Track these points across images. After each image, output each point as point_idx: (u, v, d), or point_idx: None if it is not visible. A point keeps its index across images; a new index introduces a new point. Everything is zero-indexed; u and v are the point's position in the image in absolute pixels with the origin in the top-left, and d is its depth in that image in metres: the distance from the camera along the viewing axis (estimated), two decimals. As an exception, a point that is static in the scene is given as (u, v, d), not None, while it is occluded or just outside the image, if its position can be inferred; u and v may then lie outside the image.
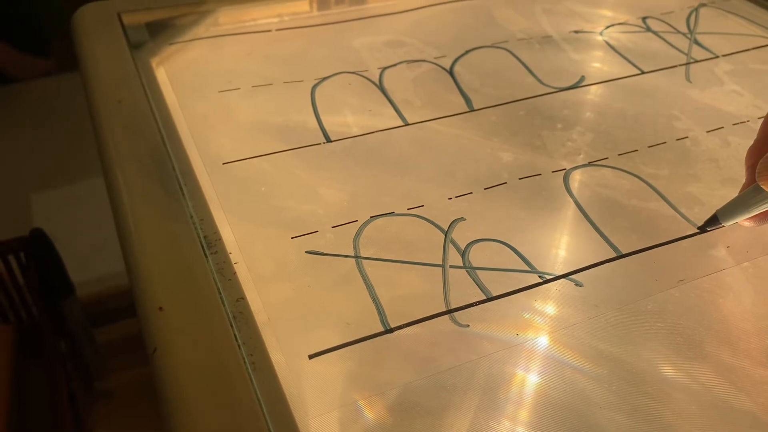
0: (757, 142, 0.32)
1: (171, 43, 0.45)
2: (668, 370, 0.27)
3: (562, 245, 0.32)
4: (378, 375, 0.26)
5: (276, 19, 0.50)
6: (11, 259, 0.61)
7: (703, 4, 0.53)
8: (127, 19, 0.47)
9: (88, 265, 0.91)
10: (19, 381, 0.61)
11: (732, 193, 0.35)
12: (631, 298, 0.29)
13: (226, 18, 0.50)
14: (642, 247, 0.32)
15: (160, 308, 0.28)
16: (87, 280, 0.83)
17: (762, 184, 0.28)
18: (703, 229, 0.33)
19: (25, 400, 0.62)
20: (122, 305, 0.77)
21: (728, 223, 0.32)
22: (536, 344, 0.27)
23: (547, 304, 0.29)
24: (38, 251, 0.58)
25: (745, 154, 0.35)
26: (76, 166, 1.06)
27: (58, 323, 0.63)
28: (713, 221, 0.32)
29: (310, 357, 0.26)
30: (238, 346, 0.26)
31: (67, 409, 0.58)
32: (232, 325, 0.27)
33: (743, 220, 0.31)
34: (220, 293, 0.28)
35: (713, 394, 0.26)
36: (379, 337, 0.27)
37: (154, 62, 0.43)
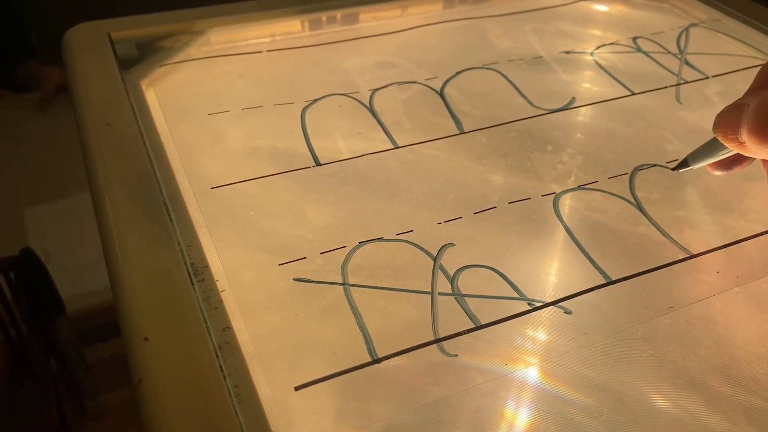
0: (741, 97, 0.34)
1: (161, 65, 0.45)
2: (659, 399, 0.27)
3: (551, 271, 0.32)
4: (365, 407, 0.26)
5: (268, 39, 0.50)
6: (0, 278, 0.61)
7: (694, 24, 0.53)
8: (118, 40, 0.47)
9: (83, 279, 0.91)
10: (8, 401, 0.60)
11: (721, 218, 0.35)
12: (621, 325, 0.29)
13: (217, 38, 0.50)
14: (631, 273, 0.32)
15: (146, 338, 0.27)
16: (81, 294, 0.83)
17: (716, 134, 0.31)
18: (675, 170, 0.36)
19: (15, 421, 0.61)
20: (116, 321, 0.76)
21: (696, 166, 0.35)
22: (525, 374, 0.27)
23: (537, 333, 0.29)
24: (28, 271, 0.57)
25: (734, 177, 0.35)
26: (72, 181, 1.05)
27: (49, 342, 0.62)
28: (683, 164, 0.35)
29: (297, 389, 0.26)
30: (224, 377, 0.26)
31: (56, 429, 0.57)
32: (217, 356, 0.27)
33: (709, 167, 0.34)
34: (206, 322, 0.28)
35: (703, 423, 0.26)
36: (366, 368, 0.27)
37: (144, 84, 0.43)
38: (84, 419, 0.68)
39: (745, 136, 0.29)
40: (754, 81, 0.32)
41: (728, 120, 0.30)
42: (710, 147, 0.33)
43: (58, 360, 0.64)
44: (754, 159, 0.33)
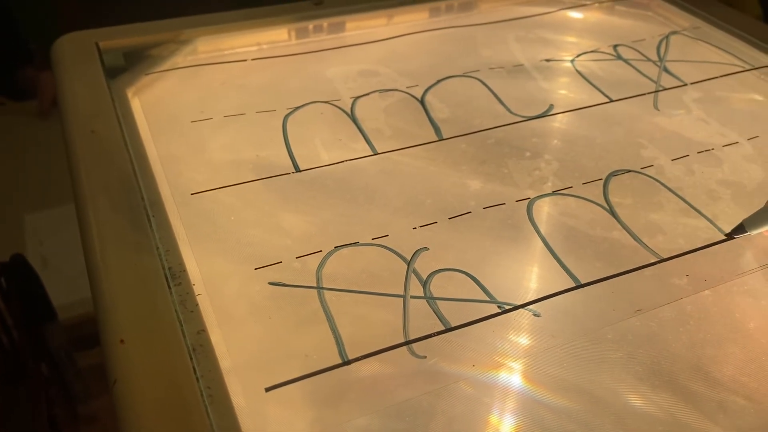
0: None
1: (147, 73, 0.46)
2: (632, 398, 0.27)
3: (523, 275, 0.32)
4: (334, 408, 0.26)
5: (255, 48, 0.51)
6: (-7, 283, 0.62)
7: (674, 32, 0.54)
8: (105, 49, 0.47)
9: (80, 286, 0.91)
10: (0, 405, 0.61)
11: (694, 222, 0.36)
12: (590, 327, 0.30)
13: (204, 47, 0.51)
14: (602, 277, 0.32)
15: (122, 341, 0.28)
16: (78, 300, 0.83)
17: None
18: (730, 237, 0.35)
19: (7, 425, 0.62)
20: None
21: (754, 232, 0.34)
22: (493, 375, 0.28)
23: (506, 335, 0.29)
24: (19, 277, 0.58)
25: (707, 182, 0.36)
26: (71, 189, 1.06)
27: (40, 348, 0.63)
28: (740, 229, 0.34)
29: (267, 390, 0.26)
30: (197, 378, 0.26)
31: (47, 434, 0.58)
32: (191, 358, 0.27)
33: None
34: (181, 326, 0.28)
35: (677, 420, 0.26)
36: (337, 370, 0.27)
37: (129, 92, 0.44)
38: (75, 423, 0.68)
39: None
40: None
41: None
42: None
43: (49, 365, 0.65)
44: None
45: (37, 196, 1.13)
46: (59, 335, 0.63)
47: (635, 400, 0.27)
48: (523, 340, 0.29)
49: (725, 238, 0.34)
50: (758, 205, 0.36)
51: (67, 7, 1.27)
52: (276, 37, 0.52)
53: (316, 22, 0.54)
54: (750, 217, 0.34)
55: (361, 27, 0.54)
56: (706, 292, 0.32)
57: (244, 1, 0.57)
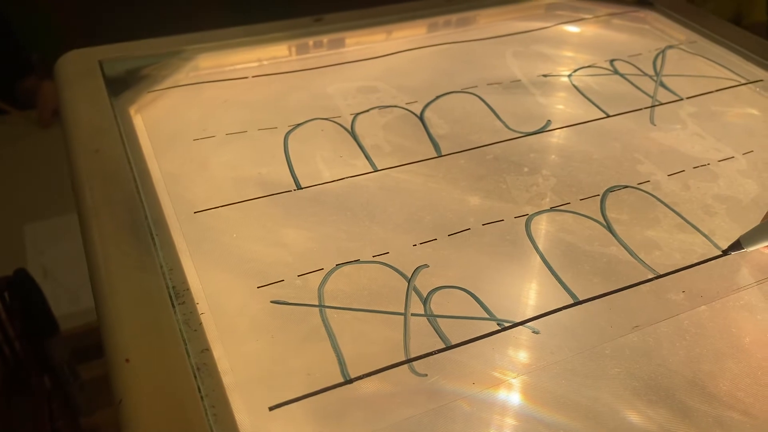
0: None
1: (150, 91, 0.47)
2: (627, 415, 0.28)
3: (522, 291, 0.33)
4: (336, 426, 0.27)
5: (255, 64, 0.52)
6: (-4, 298, 0.62)
7: (671, 46, 0.54)
8: (108, 67, 0.48)
9: (80, 296, 0.91)
10: (3, 418, 0.61)
11: (690, 237, 0.36)
12: (588, 344, 0.30)
13: (206, 63, 0.51)
14: (600, 293, 0.33)
15: (127, 360, 0.28)
16: (79, 311, 0.84)
17: None
18: (726, 253, 0.35)
19: (10, 438, 0.62)
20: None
21: (751, 248, 0.34)
22: (493, 393, 0.28)
23: (505, 352, 0.30)
24: (22, 291, 0.59)
25: (703, 197, 0.36)
26: (72, 199, 1.06)
27: (43, 361, 0.63)
28: (736, 246, 0.34)
29: (271, 409, 0.27)
30: (201, 397, 0.27)
31: (50, 447, 0.58)
32: (196, 377, 0.28)
33: (765, 247, 0.34)
34: (185, 344, 0.29)
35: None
36: (338, 388, 0.28)
37: (132, 110, 0.44)
38: (78, 436, 0.69)
39: None
40: None
41: None
42: (767, 228, 0.33)
43: (52, 378, 0.65)
44: None
45: (38, 205, 1.13)
46: (61, 349, 0.63)
47: (633, 416, 0.28)
48: (523, 357, 0.30)
49: (721, 253, 0.35)
50: (753, 220, 0.36)
51: (68, 17, 1.28)
52: (277, 53, 0.53)
53: (316, 38, 0.54)
54: (746, 233, 0.34)
55: (360, 43, 0.55)
56: (703, 307, 0.33)
57: (245, 17, 0.58)
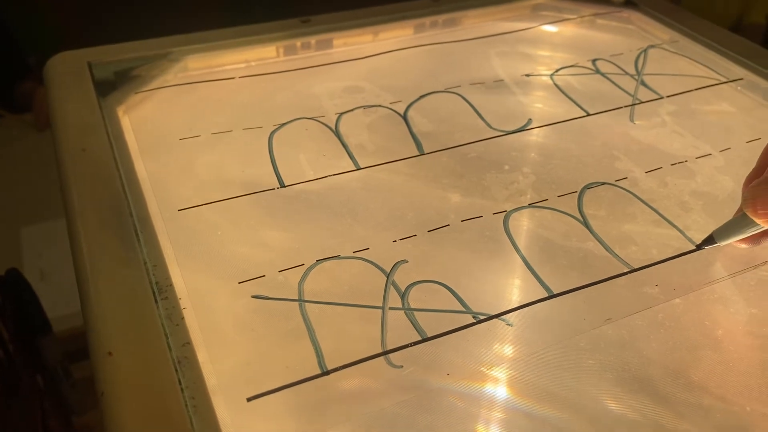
0: (753, 170, 0.35)
1: (137, 91, 0.47)
2: (603, 403, 0.28)
3: (499, 286, 0.34)
4: (315, 417, 0.27)
5: (243, 65, 0.53)
6: (-12, 298, 0.62)
7: (652, 46, 0.55)
8: (97, 69, 0.49)
9: (77, 298, 0.92)
10: (-4, 418, 0.61)
11: (665, 232, 0.37)
12: (562, 336, 0.31)
13: (194, 64, 0.52)
14: (575, 287, 0.33)
15: (110, 353, 0.29)
16: (75, 312, 0.84)
17: (747, 211, 0.31)
18: (699, 247, 0.35)
19: (3, 438, 0.62)
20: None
21: (723, 243, 0.34)
22: (467, 384, 0.29)
23: (480, 344, 0.30)
24: (14, 291, 0.59)
25: (680, 194, 0.38)
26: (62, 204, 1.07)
27: (36, 360, 0.64)
28: (709, 240, 0.35)
29: (249, 400, 0.27)
30: (182, 389, 0.28)
31: (42, 446, 0.58)
32: (177, 370, 0.28)
33: (737, 241, 0.34)
34: (167, 338, 0.29)
35: (651, 421, 0.28)
36: (316, 380, 0.28)
37: (120, 110, 0.45)
38: (71, 435, 0.69)
39: None
40: None
41: (759, 195, 0.30)
42: (739, 223, 0.33)
43: (45, 377, 0.66)
44: None
45: (35, 208, 1.14)
46: (54, 348, 0.64)
47: (609, 405, 0.28)
48: (497, 350, 0.30)
49: (695, 248, 0.36)
50: (729, 216, 0.37)
51: (65, 20, 1.29)
52: (264, 54, 0.54)
53: (304, 39, 0.55)
54: (719, 228, 0.35)
55: (347, 44, 0.56)
56: (677, 300, 0.33)
57: (234, 19, 0.58)
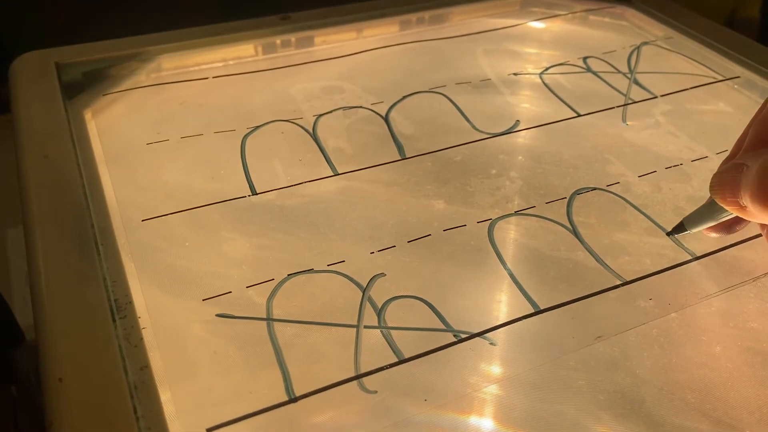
0: (727, 157, 0.33)
1: (106, 93, 0.45)
2: (591, 429, 0.26)
3: (482, 300, 0.31)
4: (278, 448, 0.25)
5: (220, 64, 0.50)
6: (-41, 307, 0.60)
7: (646, 43, 0.53)
8: (65, 69, 0.46)
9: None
10: (-31, 431, 0.59)
11: (659, 241, 0.35)
12: (549, 355, 0.29)
13: (169, 64, 0.50)
14: (564, 301, 0.31)
15: (60, 379, 0.27)
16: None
17: (716, 198, 0.30)
18: (670, 234, 0.34)
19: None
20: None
21: (694, 230, 0.33)
22: (446, 410, 0.27)
23: (462, 366, 0.28)
24: (-16, 300, 0.57)
25: (675, 199, 0.36)
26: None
27: (9, 371, 0.62)
28: (680, 228, 0.34)
29: (208, 431, 0.25)
30: (137, 419, 0.25)
31: (15, 460, 0.56)
32: (132, 397, 0.26)
33: (707, 230, 0.33)
34: (123, 361, 0.27)
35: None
36: (282, 408, 0.26)
37: (87, 114, 0.43)
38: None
39: (747, 200, 0.27)
40: (748, 138, 0.31)
41: (727, 182, 0.29)
42: (708, 210, 0.32)
43: (19, 389, 0.63)
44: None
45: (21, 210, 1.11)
46: (27, 359, 0.61)
47: (599, 430, 0.26)
48: (479, 371, 0.28)
49: (691, 258, 0.34)
50: (726, 222, 0.35)
51: (54, 20, 1.26)
52: (242, 52, 0.52)
53: (284, 37, 0.53)
54: (689, 215, 0.33)
55: (329, 41, 0.53)
56: (673, 314, 0.31)
57: (210, 16, 0.56)
